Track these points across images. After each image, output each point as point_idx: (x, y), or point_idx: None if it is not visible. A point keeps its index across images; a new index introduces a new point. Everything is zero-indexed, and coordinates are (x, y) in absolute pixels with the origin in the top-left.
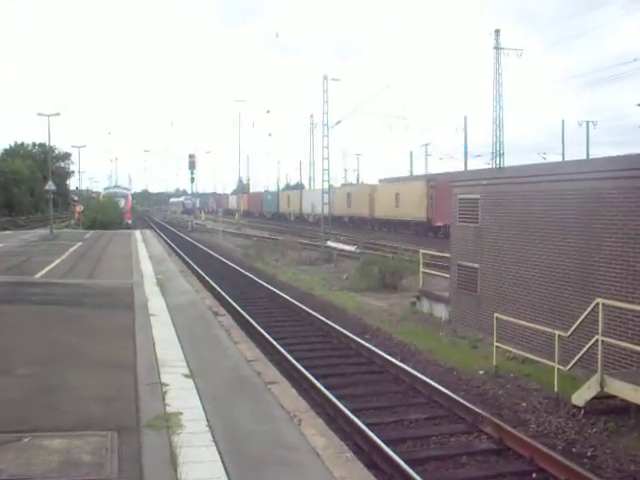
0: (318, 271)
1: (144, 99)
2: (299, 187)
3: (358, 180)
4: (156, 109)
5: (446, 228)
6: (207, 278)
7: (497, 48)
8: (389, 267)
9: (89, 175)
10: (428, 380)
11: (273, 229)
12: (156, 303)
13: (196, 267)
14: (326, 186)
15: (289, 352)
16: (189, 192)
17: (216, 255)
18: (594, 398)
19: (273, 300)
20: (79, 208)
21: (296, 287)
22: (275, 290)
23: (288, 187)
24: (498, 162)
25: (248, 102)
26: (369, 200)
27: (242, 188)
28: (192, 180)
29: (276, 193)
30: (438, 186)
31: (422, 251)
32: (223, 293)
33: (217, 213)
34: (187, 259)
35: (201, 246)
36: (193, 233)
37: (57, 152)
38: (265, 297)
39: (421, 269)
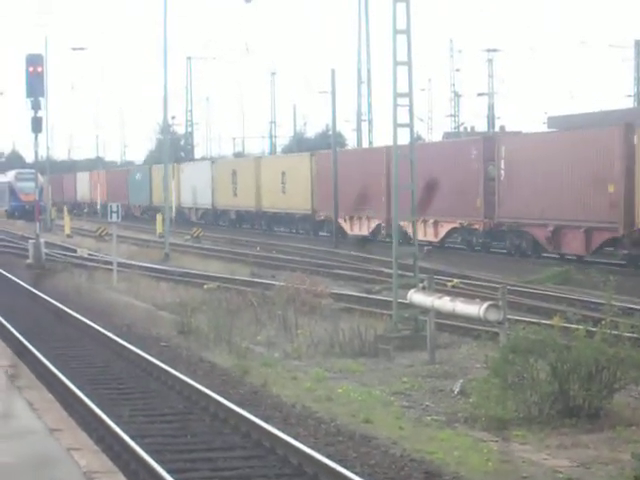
0: (385, 371)
1: None
2: (333, 142)
3: (490, 126)
4: None
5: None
6: (79, 393)
7: None
8: (581, 362)
9: None
10: None
11: (258, 258)
12: None
13: (47, 363)
14: (403, 137)
15: None
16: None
17: (103, 331)
18: None
19: (263, 461)
20: None
21: (327, 418)
22: (264, 426)
23: (296, 146)
24: None
25: None
26: (255, 182)
27: (177, 152)
28: (36, 128)
29: (146, 170)
30: (322, 159)
31: None
32: (124, 435)
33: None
34: (29, 346)
35: (67, 309)
36: (45, 277)
37: None
38: (235, 447)
39: None
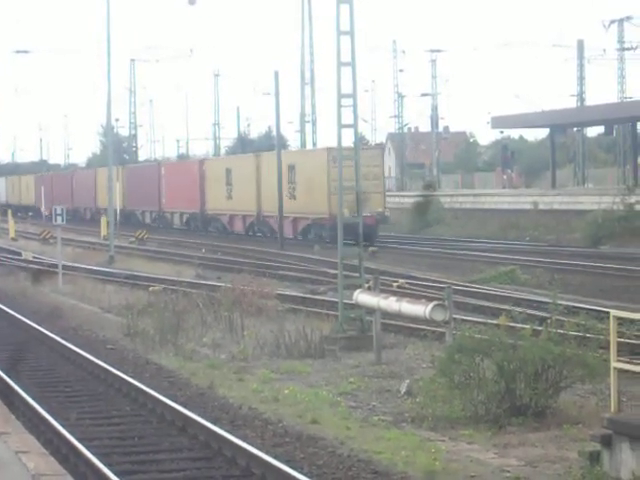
0: (332, 372)
1: None
2: (277, 143)
3: (434, 125)
4: None
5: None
6: (26, 396)
7: None
8: (527, 361)
9: None
10: None
11: (204, 260)
12: None
13: None
14: (348, 138)
15: None
16: None
17: (49, 334)
18: None
19: (210, 462)
20: None
21: (274, 419)
22: (212, 427)
23: (240, 147)
24: None
25: None
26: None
27: (120, 154)
28: None
29: None
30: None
31: (614, 313)
32: (71, 438)
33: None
34: None
35: (13, 312)
36: None
37: None
38: (183, 449)
39: (613, 362)
